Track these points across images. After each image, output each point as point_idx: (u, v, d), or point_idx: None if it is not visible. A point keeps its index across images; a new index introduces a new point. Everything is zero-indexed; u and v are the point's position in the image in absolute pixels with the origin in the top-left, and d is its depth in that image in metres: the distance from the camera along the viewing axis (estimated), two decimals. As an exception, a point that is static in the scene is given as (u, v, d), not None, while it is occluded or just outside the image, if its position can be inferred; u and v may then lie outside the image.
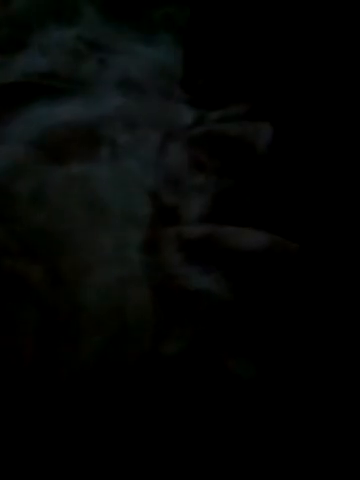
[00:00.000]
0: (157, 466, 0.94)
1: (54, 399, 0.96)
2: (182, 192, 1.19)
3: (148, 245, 1.10)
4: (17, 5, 1.36)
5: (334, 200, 1.17)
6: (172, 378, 0.97)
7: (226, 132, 1.26)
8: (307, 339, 1.01)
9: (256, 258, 1.08)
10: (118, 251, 1.08)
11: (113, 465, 0.94)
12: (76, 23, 1.38)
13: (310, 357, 1.00)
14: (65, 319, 1.01)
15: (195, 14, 1.49)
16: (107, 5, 1.43)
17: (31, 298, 1.02)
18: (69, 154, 1.18)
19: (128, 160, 1.21)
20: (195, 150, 1.25)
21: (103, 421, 0.96)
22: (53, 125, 1.20)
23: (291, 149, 1.25)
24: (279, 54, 1.41)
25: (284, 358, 0.99)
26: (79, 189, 1.14)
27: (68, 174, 1.15)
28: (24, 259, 1.05)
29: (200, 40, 1.46)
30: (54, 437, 0.95)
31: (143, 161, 1.21)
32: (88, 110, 1.25)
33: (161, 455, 0.94)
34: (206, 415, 0.96)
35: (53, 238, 1.08)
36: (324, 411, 0.96)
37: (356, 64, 1.34)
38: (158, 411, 0.96)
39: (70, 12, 1.39)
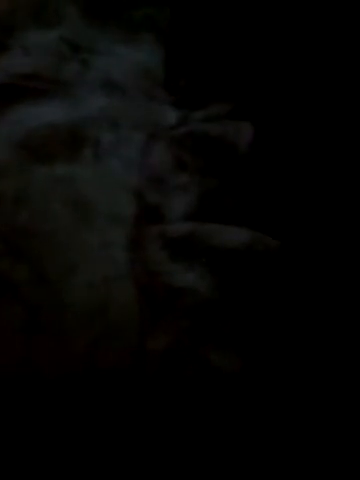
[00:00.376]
0: (146, 460, 0.95)
1: (43, 398, 0.97)
2: (166, 191, 1.20)
3: (132, 243, 1.11)
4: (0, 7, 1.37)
5: (314, 198, 1.19)
6: (158, 373, 0.98)
7: (208, 132, 1.28)
8: (289, 331, 1.03)
9: (238, 254, 1.10)
10: (103, 250, 1.09)
11: (103, 461, 0.95)
12: (58, 25, 1.38)
13: (292, 349, 1.02)
14: (51, 318, 1.02)
15: (175, 15, 1.50)
16: (88, 6, 1.44)
17: (16, 297, 1.03)
18: (53, 154, 1.19)
19: (112, 160, 1.22)
20: (178, 150, 1.26)
21: (92, 418, 0.97)
22: (37, 126, 1.20)
23: (272, 147, 1.27)
24: (260, 54, 1.42)
25: (267, 350, 1.01)
26: (63, 189, 1.15)
27: (52, 174, 1.16)
28: (8, 259, 1.06)
29: (181, 41, 1.47)
30: (43, 436, 0.95)
31: (127, 161, 1.22)
32: (71, 111, 1.26)
33: (150, 449, 0.95)
34: (191, 408, 0.97)
35: (37, 238, 1.09)
36: (308, 402, 0.98)
37: (335, 65, 1.36)
38: (146, 406, 0.97)
39: (52, 14, 1.40)
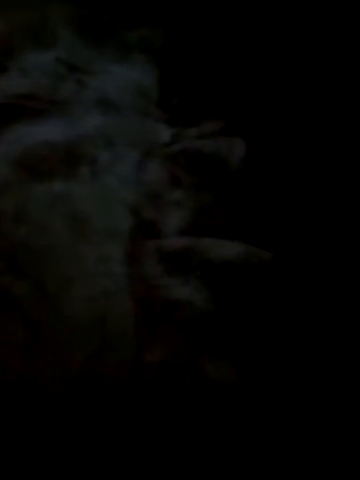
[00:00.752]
0: (145, 470, 0.97)
1: (44, 412, 0.99)
2: (161, 207, 1.23)
3: (129, 258, 1.14)
4: (-3, 29, 1.40)
5: (306, 211, 1.22)
6: (155, 384, 1.01)
7: (201, 148, 1.31)
8: (283, 341, 1.05)
9: (232, 267, 1.13)
10: (100, 264, 1.12)
11: (102, 472, 0.97)
12: (55, 46, 1.42)
13: (287, 358, 1.04)
14: (50, 332, 1.04)
15: (169, 35, 1.54)
16: (84, 28, 1.48)
17: (17, 312, 1.05)
18: (51, 172, 1.22)
19: (108, 177, 1.25)
20: (172, 166, 1.29)
21: (90, 430, 0.99)
22: (34, 144, 1.24)
23: (264, 162, 1.30)
24: (251, 72, 1.46)
25: (262, 360, 1.03)
26: (61, 205, 1.18)
27: (50, 191, 1.19)
28: (9, 274, 1.08)
29: (174, 60, 1.51)
30: (43, 448, 0.97)
31: (123, 178, 1.25)
32: (68, 129, 1.29)
33: (148, 459, 0.97)
34: (188, 419, 0.99)
35: (36, 253, 1.11)
36: (303, 410, 1.00)
37: (325, 82, 1.40)
38: (143, 417, 0.99)
39: (49, 35, 1.44)
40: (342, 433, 1.00)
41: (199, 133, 1.37)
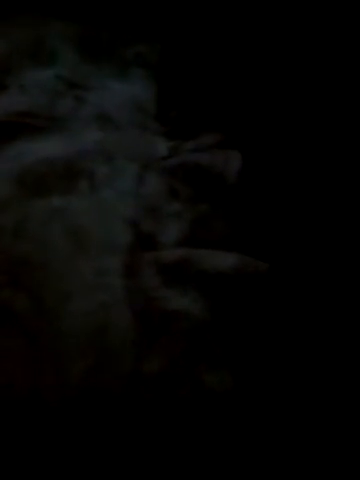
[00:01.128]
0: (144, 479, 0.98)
1: (43, 424, 1.00)
2: (159, 219, 1.25)
3: (128, 270, 1.16)
4: (-4, 49, 1.43)
5: (301, 222, 1.24)
6: (154, 394, 1.02)
7: (199, 162, 1.33)
8: (279, 350, 1.07)
9: (229, 278, 1.14)
10: (99, 277, 1.13)
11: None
12: (53, 63, 1.45)
13: (283, 367, 1.05)
14: (49, 345, 1.06)
15: (166, 50, 1.57)
16: (83, 45, 1.51)
17: (18, 326, 1.07)
18: (50, 188, 1.24)
19: (107, 191, 1.27)
20: (170, 179, 1.31)
21: (90, 441, 1.00)
22: (34, 161, 1.26)
23: (261, 175, 1.32)
24: (248, 85, 1.48)
25: (259, 369, 1.05)
26: (60, 220, 1.20)
27: (49, 206, 1.21)
28: (9, 289, 1.10)
29: (172, 75, 1.53)
30: (43, 459, 0.99)
31: (121, 191, 1.27)
32: (67, 145, 1.31)
33: (146, 469, 0.98)
34: (186, 428, 1.00)
35: (36, 267, 1.13)
36: (300, 417, 1.01)
37: (321, 95, 1.42)
38: (142, 427, 1.00)
39: (48, 53, 1.46)
40: (339, 441, 1.00)
41: (196, 146, 1.39)
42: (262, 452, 0.99)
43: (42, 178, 1.25)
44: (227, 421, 1.01)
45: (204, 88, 1.51)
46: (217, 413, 1.01)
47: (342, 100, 1.39)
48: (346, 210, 1.24)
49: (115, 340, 1.07)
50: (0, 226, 1.18)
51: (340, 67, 1.44)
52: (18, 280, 1.11)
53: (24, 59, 1.43)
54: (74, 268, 1.14)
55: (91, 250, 1.17)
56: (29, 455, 0.99)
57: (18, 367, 1.04)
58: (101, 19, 1.57)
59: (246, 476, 0.98)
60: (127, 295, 1.12)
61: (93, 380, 1.03)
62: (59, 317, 1.08)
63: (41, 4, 1.51)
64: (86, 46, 1.50)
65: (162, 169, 1.33)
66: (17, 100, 1.35)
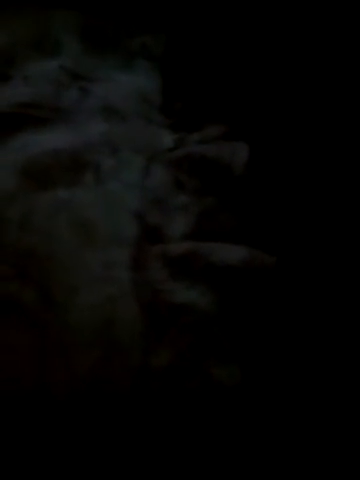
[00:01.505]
0: (149, 474, 0.98)
1: (51, 416, 1.00)
2: (165, 212, 1.24)
3: (135, 263, 1.15)
4: (0, 39, 1.42)
5: (309, 214, 1.23)
6: (162, 388, 1.02)
7: (205, 153, 1.32)
8: (287, 343, 1.06)
9: (236, 271, 1.14)
10: (106, 270, 1.13)
11: (108, 476, 0.98)
12: (58, 54, 1.44)
13: (291, 360, 1.05)
14: (58, 339, 1.05)
15: (171, 41, 1.56)
16: (87, 36, 1.50)
17: (26, 319, 1.06)
18: (55, 180, 1.23)
19: (113, 183, 1.26)
20: (176, 171, 1.31)
21: (97, 434, 1.00)
22: (39, 153, 1.25)
23: (267, 167, 1.31)
24: (253, 76, 1.47)
25: (266, 362, 1.04)
26: (66, 212, 1.19)
27: (55, 199, 1.21)
28: (17, 281, 1.10)
29: (176, 66, 1.52)
30: (50, 452, 0.98)
31: (127, 184, 1.27)
32: (72, 137, 1.30)
33: (153, 462, 0.98)
34: (194, 421, 1.00)
35: (43, 260, 1.13)
36: (307, 411, 1.01)
37: (327, 86, 1.41)
38: (150, 421, 1.00)
39: (52, 44, 1.45)
40: (346, 434, 1.00)
41: (202, 138, 1.38)
42: (269, 445, 0.99)
43: (47, 170, 1.24)
44: (235, 414, 1.01)
45: (209, 79, 1.50)
46: (225, 407, 1.01)
47: (349, 91, 1.39)
48: (353, 200, 1.24)
49: (123, 333, 1.07)
50: (6, 219, 1.17)
51: (346, 59, 1.43)
52: (25, 273, 1.11)
53: (28, 50, 1.42)
54: (81, 261, 1.13)
55: (98, 243, 1.16)
56: (35, 448, 0.98)
57: (25, 360, 1.04)
58: (106, 10, 1.55)
59: (254, 468, 0.98)
60: (134, 288, 1.11)
61: (101, 373, 1.03)
62: (66, 310, 1.08)
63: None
64: (91, 37, 1.49)
65: (168, 161, 1.33)
66: (21, 91, 1.34)
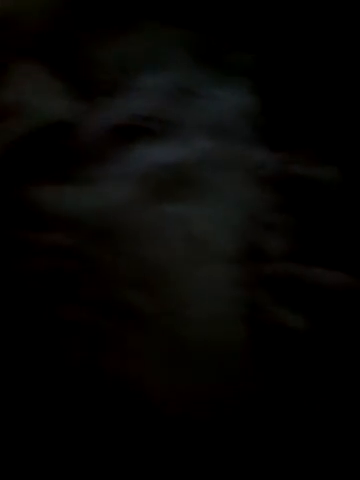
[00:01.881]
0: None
1: (143, 421, 1.06)
2: (265, 230, 1.31)
3: (238, 281, 1.22)
4: (117, 51, 1.48)
5: None
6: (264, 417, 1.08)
7: (303, 174, 1.38)
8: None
9: (335, 295, 1.21)
10: (214, 286, 1.20)
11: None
12: (168, 68, 1.50)
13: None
14: (166, 348, 1.12)
15: (269, 60, 1.60)
16: (195, 52, 1.55)
17: (140, 326, 1.14)
18: (167, 193, 1.31)
19: (216, 200, 1.33)
20: (275, 191, 1.37)
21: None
22: (153, 166, 1.32)
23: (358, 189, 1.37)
24: (348, 101, 1.52)
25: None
26: (178, 226, 1.26)
27: (167, 212, 1.28)
28: (135, 290, 1.17)
29: (274, 84, 1.57)
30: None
31: (229, 201, 1.33)
32: (180, 152, 1.37)
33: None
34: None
35: (156, 272, 1.20)
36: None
37: None
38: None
39: (162, 58, 1.51)
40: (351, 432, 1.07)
41: (300, 159, 1.44)
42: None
43: (160, 183, 1.31)
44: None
45: (304, 100, 1.55)
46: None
47: None
48: None
49: (226, 352, 1.13)
50: (122, 228, 1.25)
51: None
52: (141, 283, 1.19)
53: (141, 63, 1.48)
54: (190, 275, 1.21)
55: (207, 258, 1.23)
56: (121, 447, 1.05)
57: (132, 361, 1.12)
58: (209, 27, 1.60)
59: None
60: (241, 308, 1.18)
61: (203, 390, 1.09)
62: (179, 322, 1.15)
63: (157, 12, 1.55)
64: (198, 53, 1.55)
65: (267, 180, 1.39)
66: (137, 103, 1.41)
